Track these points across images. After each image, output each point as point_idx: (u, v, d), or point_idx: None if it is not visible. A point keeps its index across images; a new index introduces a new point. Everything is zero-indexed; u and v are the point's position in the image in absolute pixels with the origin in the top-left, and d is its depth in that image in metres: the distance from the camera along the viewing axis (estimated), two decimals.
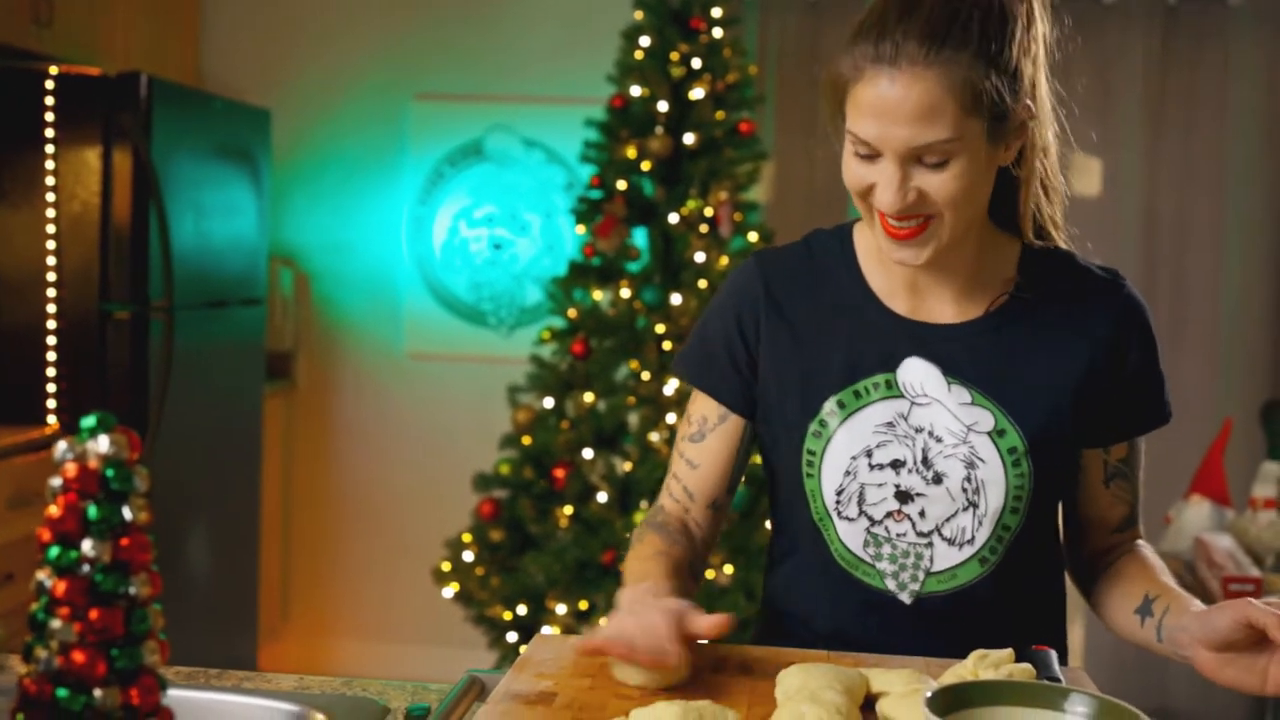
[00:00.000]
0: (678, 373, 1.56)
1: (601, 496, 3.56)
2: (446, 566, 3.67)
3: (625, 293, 3.62)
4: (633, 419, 3.64)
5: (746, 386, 1.48)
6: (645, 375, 3.57)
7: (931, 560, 1.41)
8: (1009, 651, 1.26)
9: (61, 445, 0.91)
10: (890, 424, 1.40)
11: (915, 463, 1.39)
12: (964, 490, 1.38)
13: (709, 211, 3.62)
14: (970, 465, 1.38)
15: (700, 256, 3.58)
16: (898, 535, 1.41)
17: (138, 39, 4.03)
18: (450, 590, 3.66)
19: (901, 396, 1.40)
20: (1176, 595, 1.36)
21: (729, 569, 3.43)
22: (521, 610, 3.56)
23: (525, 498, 3.62)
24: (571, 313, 3.65)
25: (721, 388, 1.50)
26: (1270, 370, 4.16)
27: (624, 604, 1.30)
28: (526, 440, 3.62)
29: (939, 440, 1.39)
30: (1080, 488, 1.48)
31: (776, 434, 1.47)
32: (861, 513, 1.41)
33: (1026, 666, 1.24)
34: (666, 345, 3.59)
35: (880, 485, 1.40)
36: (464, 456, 4.24)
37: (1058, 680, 1.25)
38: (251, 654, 4.07)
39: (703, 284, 3.57)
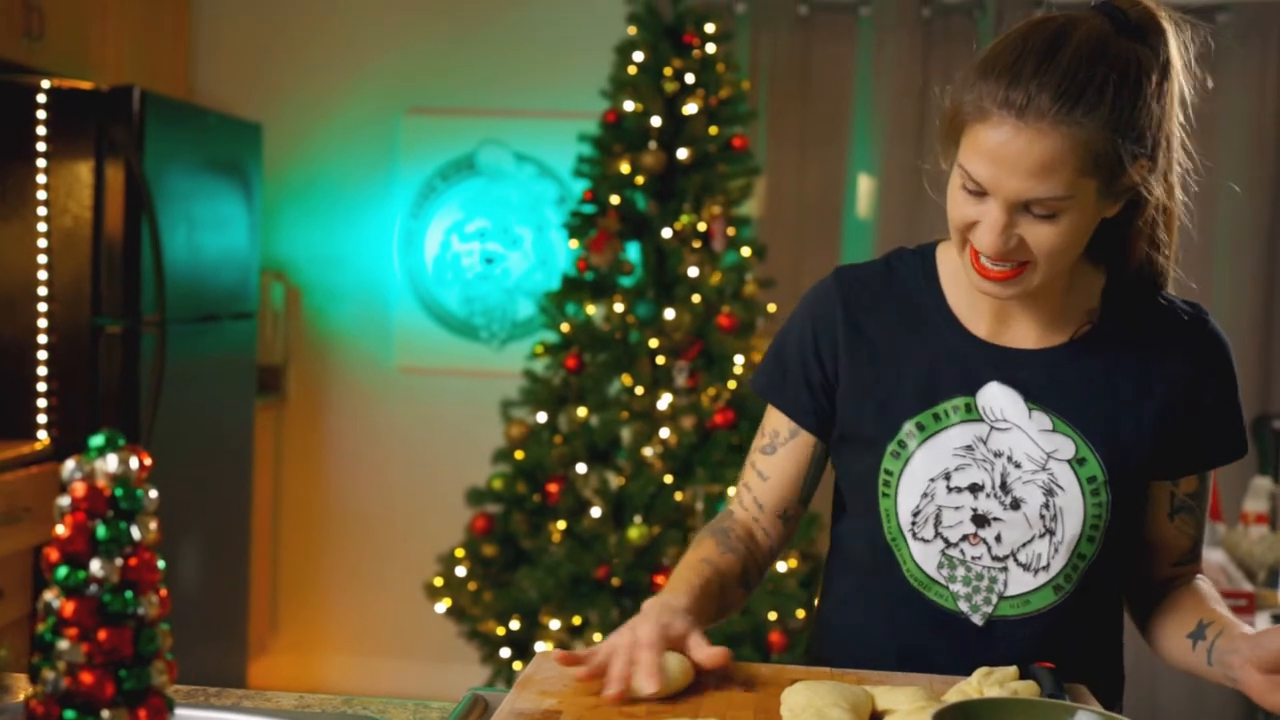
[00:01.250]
0: (752, 387, 1.56)
1: (595, 511, 3.55)
2: (439, 581, 3.66)
3: (618, 307, 3.62)
4: (625, 434, 3.64)
5: (818, 405, 1.48)
6: (638, 390, 3.57)
7: (1006, 584, 1.40)
8: (1013, 669, 1.26)
9: (70, 464, 0.91)
10: (969, 447, 1.40)
11: (994, 487, 1.39)
12: (1041, 517, 1.38)
13: (702, 226, 3.63)
14: (1049, 492, 1.38)
15: (693, 271, 3.58)
16: (973, 558, 1.40)
17: (129, 53, 4.03)
18: (443, 605, 3.65)
19: (981, 420, 1.40)
20: (1229, 621, 1.36)
21: None
22: (514, 625, 3.55)
23: (518, 512, 3.61)
24: (564, 327, 3.65)
25: (793, 405, 1.50)
26: (1260, 384, 4.17)
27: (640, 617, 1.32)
28: (519, 455, 3.62)
29: (1018, 466, 1.39)
30: (1145, 519, 1.47)
31: (853, 452, 1.47)
32: (937, 534, 1.41)
33: (1031, 684, 1.25)
34: (659, 360, 3.59)
35: (957, 508, 1.40)
36: (455, 471, 4.23)
37: (1061, 697, 1.25)
38: (241, 669, 4.05)
39: (696, 299, 3.57)
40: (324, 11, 4.49)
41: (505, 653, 3.60)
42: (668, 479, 3.51)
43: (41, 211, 3.30)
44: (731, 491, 1.56)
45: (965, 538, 1.40)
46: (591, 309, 3.67)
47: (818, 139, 4.27)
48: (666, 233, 3.62)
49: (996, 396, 1.40)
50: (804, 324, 1.50)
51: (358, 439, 4.56)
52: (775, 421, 1.52)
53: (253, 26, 4.51)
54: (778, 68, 4.28)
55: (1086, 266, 1.44)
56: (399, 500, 4.54)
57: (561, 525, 3.56)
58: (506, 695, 1.28)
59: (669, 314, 3.57)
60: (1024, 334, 1.43)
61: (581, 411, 3.61)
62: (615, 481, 3.60)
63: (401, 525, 4.52)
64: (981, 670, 1.25)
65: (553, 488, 3.56)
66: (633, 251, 3.73)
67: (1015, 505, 1.38)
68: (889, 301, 1.47)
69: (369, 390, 4.55)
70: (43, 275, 3.31)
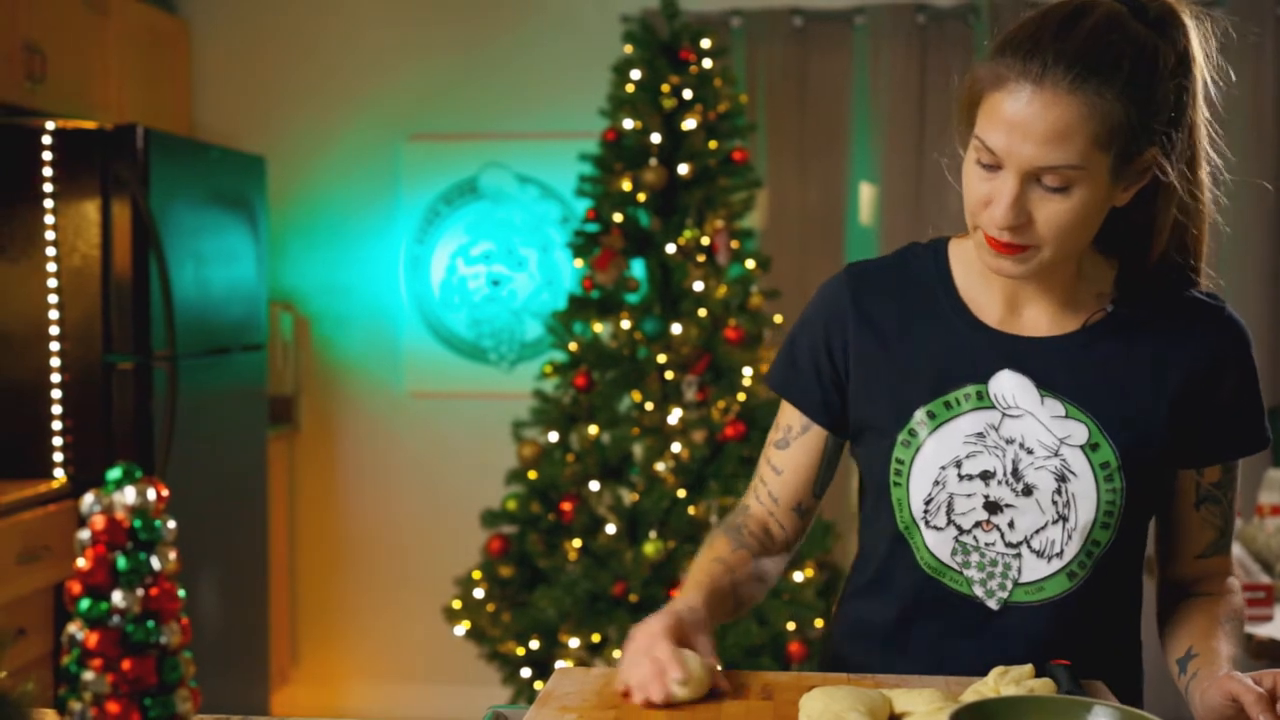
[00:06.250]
0: (766, 383, 1.58)
1: (609, 528, 3.56)
2: (457, 604, 3.67)
3: (625, 324, 3.63)
4: (637, 449, 3.64)
5: (829, 399, 1.50)
6: (648, 405, 3.58)
7: (1020, 571, 1.41)
8: (1029, 667, 1.27)
9: (88, 498, 0.93)
10: (980, 435, 1.40)
11: (1005, 474, 1.39)
12: (1054, 503, 1.39)
13: (705, 240, 3.64)
14: (1061, 478, 1.39)
15: (699, 285, 3.60)
16: (986, 545, 1.41)
17: (130, 92, 4.06)
18: (462, 628, 3.65)
19: (993, 408, 1.41)
20: (1210, 658, 1.36)
21: None
22: (534, 645, 3.56)
23: (533, 532, 3.62)
24: (572, 346, 3.66)
25: (804, 399, 1.52)
26: (1269, 378, 4.17)
27: (632, 646, 1.33)
28: (532, 475, 3.63)
29: (1030, 452, 1.39)
30: (1172, 510, 1.47)
31: (867, 443, 1.48)
32: (950, 522, 1.42)
33: (1047, 681, 1.25)
34: (669, 375, 3.60)
35: (969, 496, 1.40)
36: (469, 493, 4.24)
37: (1079, 694, 1.25)
38: (264, 699, 4.06)
39: (702, 313, 3.58)
40: (322, 43, 4.52)
41: (526, 672, 3.60)
42: (681, 493, 3.51)
43: (50, 251, 3.33)
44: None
45: (978, 524, 1.41)
46: (599, 327, 3.69)
47: (817, 149, 4.29)
48: (670, 248, 3.64)
49: (1008, 383, 1.40)
50: (815, 319, 1.52)
51: (371, 466, 4.58)
52: (788, 416, 1.54)
53: (252, 61, 4.54)
54: (775, 80, 4.30)
55: (1099, 256, 1.44)
56: (414, 525, 4.55)
57: (577, 543, 3.57)
58: (526, 712, 1.29)
59: (676, 329, 3.58)
60: (1035, 322, 1.43)
61: (592, 429, 3.62)
62: (629, 498, 3.61)
63: (418, 549, 4.53)
64: (998, 669, 1.26)
65: (567, 506, 3.57)
66: (637, 268, 3.74)
67: (1027, 491, 1.39)
68: (900, 293, 1.48)
69: (380, 417, 4.56)
70: (54, 314, 3.33)
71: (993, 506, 1.40)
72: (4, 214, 3.33)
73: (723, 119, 3.72)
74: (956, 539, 1.42)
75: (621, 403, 3.65)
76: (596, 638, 3.49)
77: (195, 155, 3.67)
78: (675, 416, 3.56)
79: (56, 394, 3.34)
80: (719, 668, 1.34)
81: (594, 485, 3.60)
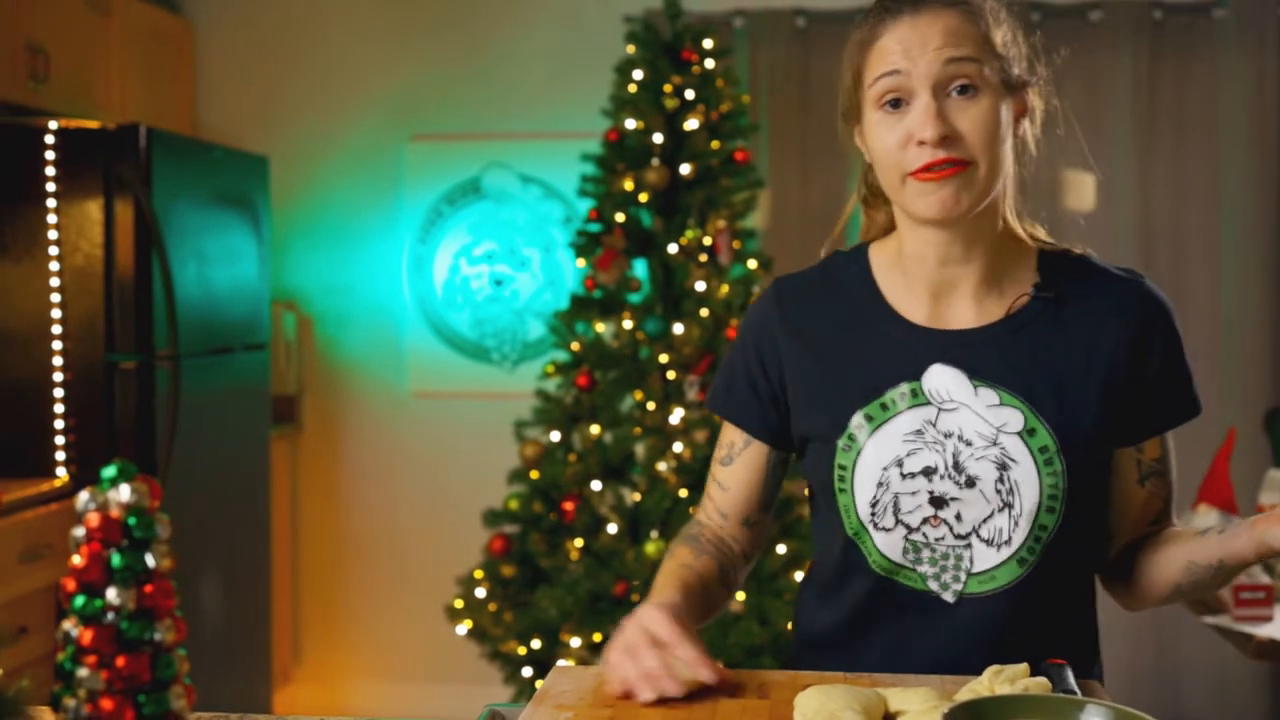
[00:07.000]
0: (707, 405, 1.61)
1: (611, 528, 3.56)
2: (459, 603, 3.67)
3: (627, 324, 3.63)
4: (639, 449, 3.65)
5: (766, 414, 1.52)
6: (650, 405, 3.59)
7: (971, 561, 1.42)
8: (1024, 666, 1.27)
9: (84, 495, 0.93)
10: (919, 432, 1.41)
11: (947, 468, 1.40)
12: (998, 492, 1.40)
13: (708, 240, 3.64)
14: (1002, 466, 1.39)
15: (701, 285, 3.60)
16: (936, 539, 1.42)
17: (134, 91, 4.07)
18: (464, 627, 3.66)
19: (929, 404, 1.42)
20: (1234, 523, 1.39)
21: (741, 596, 3.43)
22: (536, 645, 3.56)
23: (535, 532, 3.62)
24: (575, 346, 3.67)
25: (742, 417, 1.54)
26: (1272, 377, 4.17)
27: (617, 645, 1.33)
28: (534, 474, 3.63)
29: (969, 444, 1.40)
30: (1115, 489, 1.49)
31: (809, 453, 1.49)
32: (898, 522, 1.42)
33: (1042, 680, 1.25)
34: (670, 375, 3.60)
35: (914, 494, 1.41)
36: (472, 493, 4.25)
37: (1074, 693, 1.26)
38: (266, 698, 4.07)
39: (704, 313, 3.58)
40: (325, 43, 4.53)
41: (527, 672, 3.61)
42: (683, 493, 3.52)
43: (53, 251, 3.34)
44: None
45: (925, 521, 1.41)
46: (601, 327, 3.69)
47: (820, 149, 4.29)
48: (672, 248, 3.64)
49: (941, 377, 1.42)
50: (747, 339, 1.56)
51: (374, 465, 4.58)
52: (730, 434, 1.57)
53: (256, 61, 4.55)
54: (777, 80, 4.30)
55: (1015, 239, 1.47)
56: (417, 524, 4.55)
57: (579, 543, 3.57)
58: (523, 710, 1.29)
59: (678, 329, 3.58)
60: (961, 315, 1.45)
61: (594, 429, 3.62)
62: (631, 497, 3.62)
63: (420, 549, 4.53)
64: (992, 668, 1.26)
65: (569, 506, 3.57)
66: (639, 268, 3.75)
67: (970, 483, 1.40)
68: (827, 303, 1.51)
69: (383, 416, 4.57)
70: (56, 314, 3.34)
71: (938, 501, 1.41)
72: (7, 213, 3.34)
73: (725, 119, 3.72)
74: (906, 538, 1.43)
75: (623, 402, 3.65)
76: (598, 637, 3.49)
77: (198, 155, 3.68)
78: (677, 416, 3.56)
79: (59, 393, 3.35)
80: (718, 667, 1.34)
81: (596, 485, 3.60)
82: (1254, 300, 4.16)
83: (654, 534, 3.53)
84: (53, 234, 3.34)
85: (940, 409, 1.41)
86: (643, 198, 3.65)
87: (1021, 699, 1.14)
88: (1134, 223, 4.20)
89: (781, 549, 3.51)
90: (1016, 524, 1.40)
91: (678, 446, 3.54)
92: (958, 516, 1.41)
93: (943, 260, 1.43)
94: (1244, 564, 1.36)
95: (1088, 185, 4.24)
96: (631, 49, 3.76)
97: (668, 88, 3.69)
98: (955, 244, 1.42)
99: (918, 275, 1.46)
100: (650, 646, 1.30)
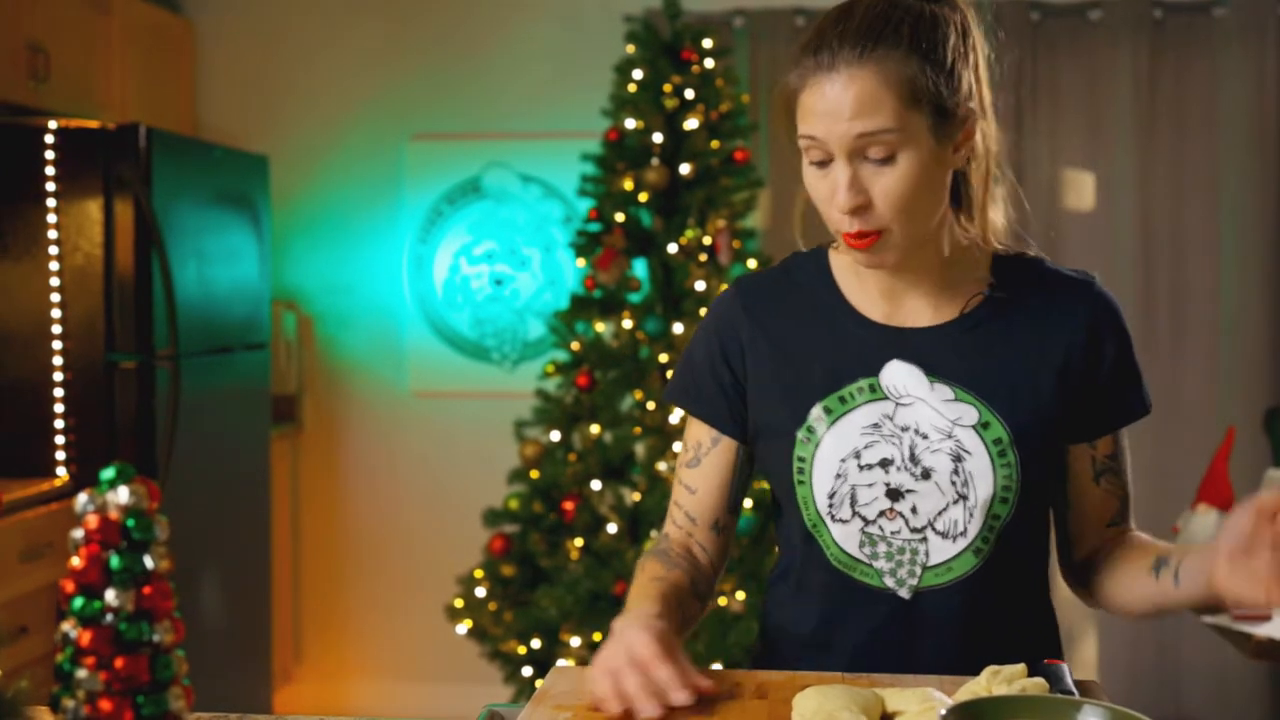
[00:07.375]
0: (669, 401, 1.61)
1: (611, 528, 3.57)
2: (459, 603, 3.68)
3: (627, 324, 3.63)
4: (639, 449, 3.65)
5: (735, 408, 1.53)
6: (650, 405, 3.59)
7: (927, 555, 1.44)
8: (1022, 666, 1.27)
9: (82, 497, 0.93)
10: (876, 425, 1.44)
11: (903, 460, 1.43)
12: (953, 483, 1.42)
13: (707, 240, 3.65)
14: (957, 459, 1.42)
15: (701, 285, 3.60)
16: (892, 533, 1.44)
17: (134, 91, 4.07)
18: (464, 627, 3.66)
19: (886, 399, 1.45)
20: (1188, 549, 1.40)
21: (741, 595, 3.43)
22: (535, 644, 3.56)
23: (535, 532, 3.62)
24: (575, 345, 3.67)
25: (710, 412, 1.55)
26: (1271, 377, 4.17)
27: (599, 664, 1.31)
28: (534, 474, 3.63)
29: (925, 437, 1.43)
30: (1072, 487, 1.52)
31: (768, 446, 1.51)
32: (855, 514, 1.44)
33: (1040, 681, 1.25)
34: (670, 375, 3.60)
35: (870, 485, 1.43)
36: (472, 493, 4.25)
37: (1071, 694, 1.26)
38: (267, 698, 4.07)
39: (704, 312, 3.58)
40: (326, 43, 4.53)
41: (527, 671, 3.61)
42: None
43: (53, 250, 3.34)
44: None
45: (882, 513, 1.44)
46: (601, 326, 3.69)
47: None
48: (672, 248, 3.64)
49: (898, 373, 1.45)
50: (709, 333, 1.56)
51: (374, 465, 4.58)
52: (697, 433, 1.57)
53: (256, 60, 4.55)
54: (776, 80, 4.29)
55: (968, 247, 1.49)
56: (417, 524, 4.56)
57: (579, 543, 3.57)
58: (522, 710, 1.29)
59: (678, 328, 3.58)
60: (917, 313, 1.48)
61: (595, 429, 3.63)
62: (630, 497, 3.62)
63: (420, 548, 4.54)
64: (990, 669, 1.26)
65: (569, 506, 3.57)
66: (639, 268, 3.75)
67: (926, 475, 1.42)
68: (788, 301, 1.53)
69: (384, 416, 4.57)
70: (56, 313, 3.35)
71: (894, 494, 1.43)
72: (7, 213, 3.34)
73: (724, 119, 3.72)
74: (863, 530, 1.44)
75: (623, 402, 3.66)
76: (598, 637, 3.49)
77: (198, 154, 3.68)
78: (677, 416, 3.56)
79: (59, 393, 3.35)
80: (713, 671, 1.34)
81: (596, 484, 3.61)
82: (1254, 300, 4.16)
83: (654, 534, 3.54)
84: (53, 234, 3.34)
85: (898, 403, 1.44)
86: (643, 197, 3.65)
87: (1019, 699, 1.14)
88: (1134, 222, 4.19)
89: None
90: (971, 515, 1.42)
91: (678, 446, 3.54)
92: (914, 509, 1.43)
93: (892, 277, 1.47)
94: (1206, 607, 1.37)
95: (1087, 184, 4.24)
96: (631, 49, 3.76)
97: (667, 87, 3.69)
98: (899, 272, 1.46)
99: (871, 281, 1.49)
100: (631, 667, 1.28)
